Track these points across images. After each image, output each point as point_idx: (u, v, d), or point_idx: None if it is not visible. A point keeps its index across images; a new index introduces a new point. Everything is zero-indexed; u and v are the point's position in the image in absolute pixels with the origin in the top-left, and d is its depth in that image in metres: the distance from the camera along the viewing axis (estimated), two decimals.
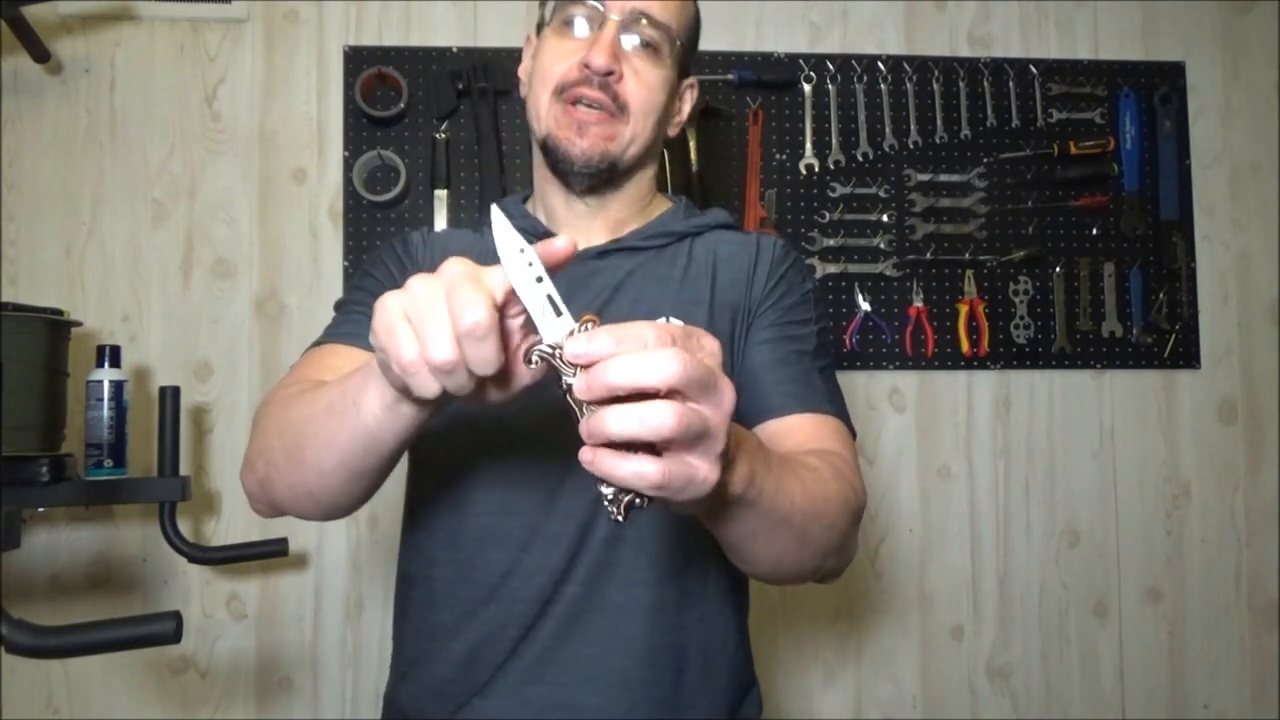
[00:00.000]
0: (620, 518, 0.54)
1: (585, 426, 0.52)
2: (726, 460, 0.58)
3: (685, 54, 1.01)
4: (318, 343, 0.96)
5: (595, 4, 0.94)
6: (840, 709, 1.84)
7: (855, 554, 0.87)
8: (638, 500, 0.54)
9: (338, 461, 0.74)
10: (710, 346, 0.55)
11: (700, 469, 0.54)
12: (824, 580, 0.88)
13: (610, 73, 0.93)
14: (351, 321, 0.96)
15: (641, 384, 0.50)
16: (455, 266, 0.56)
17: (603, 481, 0.54)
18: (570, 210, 1.00)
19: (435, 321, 0.54)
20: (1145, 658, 1.90)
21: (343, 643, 1.76)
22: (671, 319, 0.96)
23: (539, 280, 0.55)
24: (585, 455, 0.52)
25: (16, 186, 1.75)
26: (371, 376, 0.66)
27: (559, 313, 0.55)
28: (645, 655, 0.92)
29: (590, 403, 0.52)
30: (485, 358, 0.54)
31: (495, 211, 0.59)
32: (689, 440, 0.53)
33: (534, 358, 0.55)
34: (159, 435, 1.52)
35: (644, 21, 0.95)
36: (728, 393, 0.55)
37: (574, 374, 0.52)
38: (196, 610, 1.73)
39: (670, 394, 0.51)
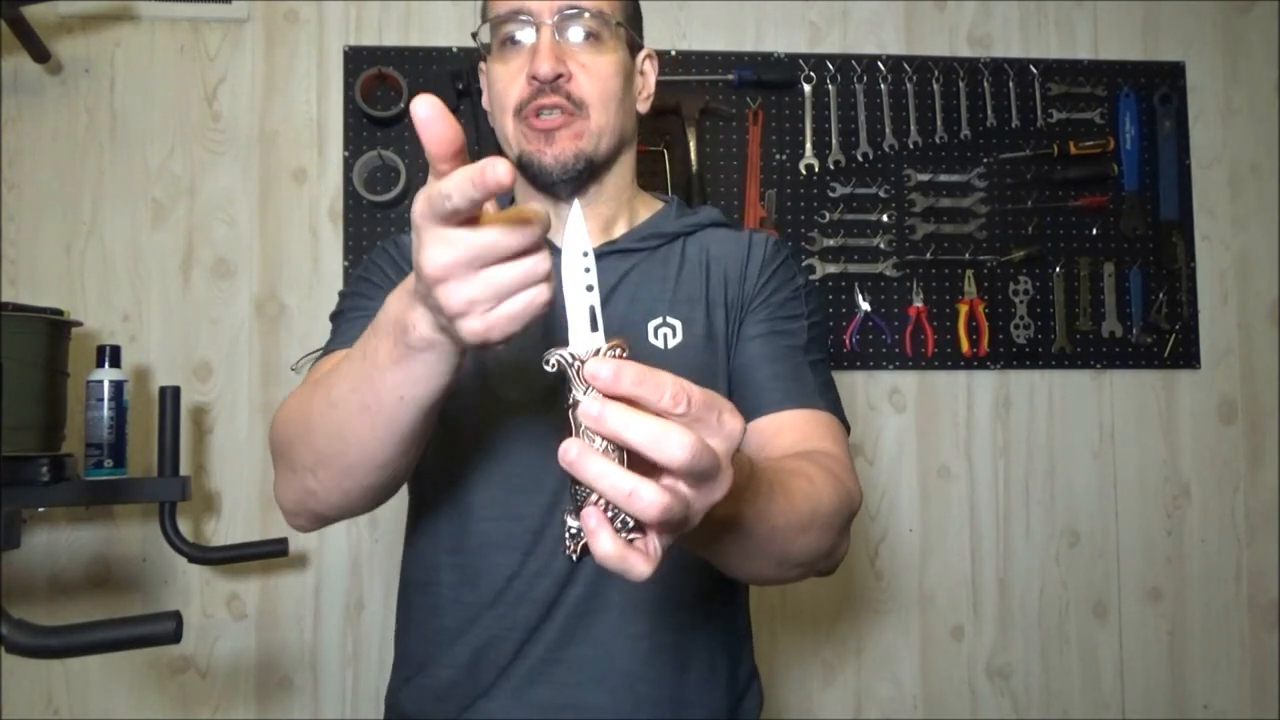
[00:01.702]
0: (575, 556, 0.54)
1: (575, 452, 0.50)
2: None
3: (631, 30, 1.00)
4: (324, 353, 0.96)
5: (524, 15, 0.93)
6: (840, 709, 1.84)
7: (846, 553, 0.86)
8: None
9: (397, 446, 0.73)
10: (730, 428, 0.53)
11: (660, 543, 0.54)
12: (818, 575, 0.88)
13: (559, 76, 0.92)
14: (353, 327, 0.95)
15: (647, 454, 0.49)
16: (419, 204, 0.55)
17: (568, 510, 0.54)
18: (558, 218, 1.00)
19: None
20: (1145, 658, 1.90)
21: (343, 643, 1.76)
22: (667, 322, 0.96)
23: (589, 289, 0.54)
24: (570, 456, 0.51)
25: (16, 186, 1.75)
26: (385, 357, 0.65)
27: (594, 327, 0.54)
28: (649, 654, 0.92)
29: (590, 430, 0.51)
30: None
31: (575, 206, 0.57)
32: (662, 526, 0.53)
33: (553, 360, 0.54)
34: (159, 435, 1.52)
35: (582, 15, 0.94)
36: (723, 485, 0.54)
37: (585, 391, 0.51)
38: (196, 610, 1.73)
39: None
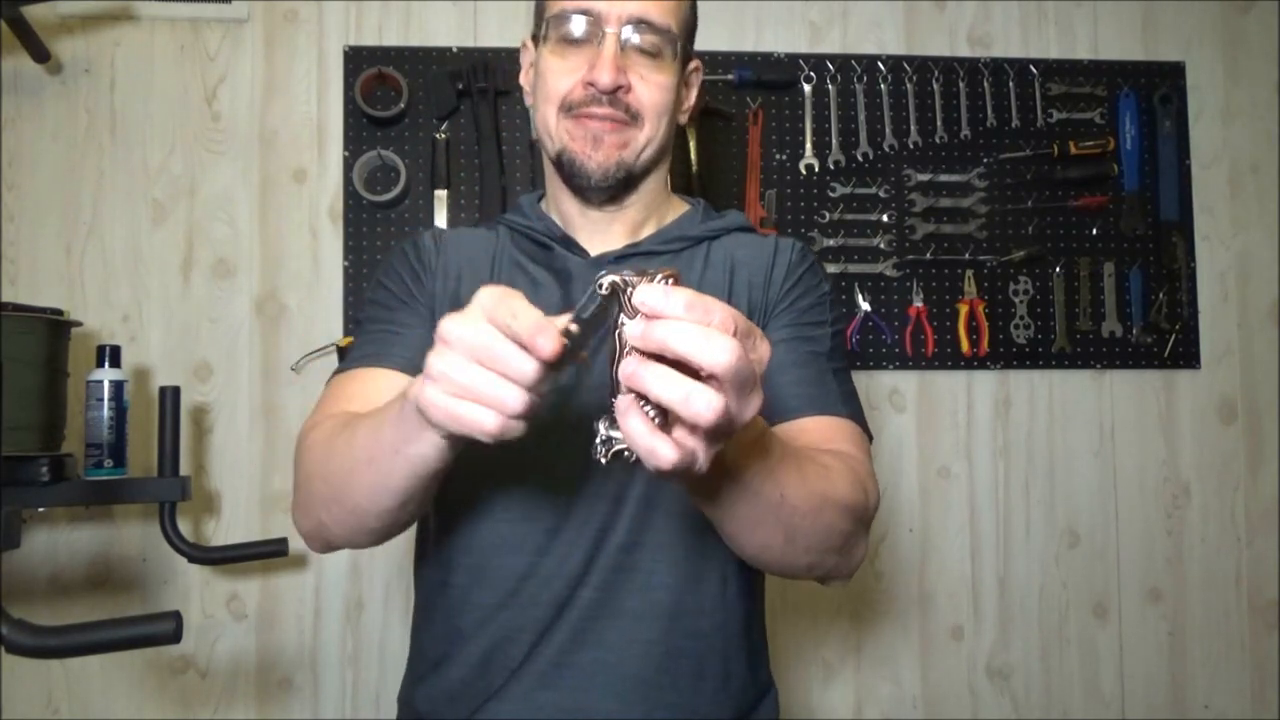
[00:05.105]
0: (604, 459, 0.56)
1: (625, 369, 0.53)
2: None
3: (688, 45, 1.00)
4: (343, 368, 0.96)
5: (592, 16, 0.92)
6: (840, 709, 1.84)
7: (862, 559, 0.86)
8: (626, 451, 0.55)
9: (397, 501, 0.77)
10: (763, 351, 0.56)
11: (700, 453, 0.56)
12: (825, 582, 0.87)
13: (618, 88, 0.92)
14: (373, 342, 0.95)
15: (694, 360, 0.51)
16: (480, 307, 0.56)
17: (602, 419, 0.55)
18: (586, 218, 1.00)
19: (495, 382, 0.55)
20: (1145, 658, 1.90)
21: (343, 643, 1.76)
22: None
23: None
24: (629, 368, 0.53)
25: (16, 186, 1.75)
26: (409, 423, 0.66)
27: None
28: (662, 660, 0.91)
29: (635, 349, 0.53)
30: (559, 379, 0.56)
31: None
32: (712, 431, 0.54)
33: (606, 283, 0.54)
34: (159, 435, 1.52)
35: (649, 27, 0.93)
36: (757, 400, 0.56)
37: (634, 316, 0.53)
38: (196, 610, 1.73)
39: (709, 378, 0.52)
